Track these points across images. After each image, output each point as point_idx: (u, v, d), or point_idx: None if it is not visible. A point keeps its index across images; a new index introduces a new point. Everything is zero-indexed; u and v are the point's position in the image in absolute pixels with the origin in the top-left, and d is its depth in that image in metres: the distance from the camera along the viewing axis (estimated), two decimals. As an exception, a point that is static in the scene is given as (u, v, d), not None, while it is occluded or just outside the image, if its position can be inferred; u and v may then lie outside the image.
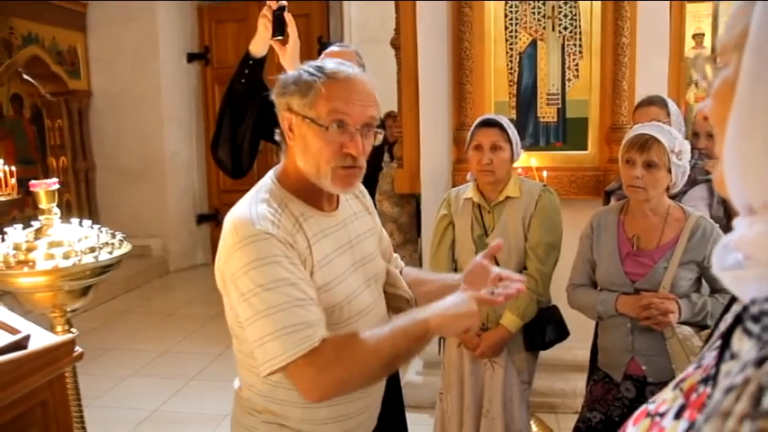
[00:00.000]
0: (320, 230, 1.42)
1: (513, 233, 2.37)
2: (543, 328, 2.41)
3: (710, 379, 0.61)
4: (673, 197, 2.18)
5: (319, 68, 1.36)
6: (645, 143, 2.03)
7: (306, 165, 1.39)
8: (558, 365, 3.42)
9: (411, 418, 3.09)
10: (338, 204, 1.51)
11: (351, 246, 1.49)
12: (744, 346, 0.56)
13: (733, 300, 0.71)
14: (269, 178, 1.45)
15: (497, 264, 2.32)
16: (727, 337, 0.60)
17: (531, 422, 2.98)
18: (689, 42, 4.56)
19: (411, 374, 3.60)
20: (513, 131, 2.39)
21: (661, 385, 2.06)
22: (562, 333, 2.47)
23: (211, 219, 6.99)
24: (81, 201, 6.49)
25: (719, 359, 0.60)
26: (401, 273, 1.72)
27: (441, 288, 1.63)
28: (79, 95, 6.50)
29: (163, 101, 6.68)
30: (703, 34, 4.36)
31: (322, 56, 2.47)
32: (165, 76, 6.69)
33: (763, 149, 0.54)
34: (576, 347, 3.29)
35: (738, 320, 0.59)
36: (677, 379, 0.69)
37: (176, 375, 4.13)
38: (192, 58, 6.98)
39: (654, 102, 2.61)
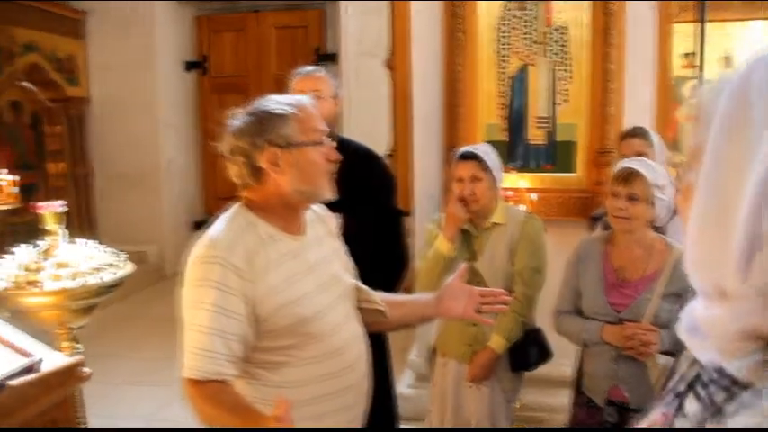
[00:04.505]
0: (288, 251, 1.57)
1: (499, 258, 2.47)
2: (528, 350, 2.51)
3: None
4: (658, 227, 2.29)
5: (279, 103, 1.56)
6: (629, 177, 2.14)
7: (301, 186, 1.55)
8: (546, 381, 3.51)
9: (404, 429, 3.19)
10: (304, 229, 1.65)
11: (318, 267, 1.63)
12: (692, 408, 0.69)
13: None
14: (238, 206, 1.61)
15: (485, 287, 2.42)
16: (682, 398, 0.73)
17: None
18: (678, 62, 4.67)
19: (402, 387, 3.67)
20: (491, 160, 2.48)
21: (643, 412, 2.16)
22: (546, 354, 2.57)
23: (207, 225, 7.04)
24: (79, 206, 6.54)
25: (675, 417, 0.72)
26: None
27: (415, 309, 1.84)
28: (77, 102, 6.57)
29: (160, 108, 6.75)
30: (694, 53, 4.47)
31: (294, 78, 2.56)
32: (163, 85, 6.76)
33: (717, 248, 0.64)
34: (564, 364, 3.38)
35: (693, 384, 0.72)
36: (646, 423, 0.82)
37: (173, 382, 4.18)
38: (189, 66, 7.06)
39: (637, 134, 2.73)
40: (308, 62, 6.49)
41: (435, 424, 2.62)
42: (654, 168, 2.17)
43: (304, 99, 1.63)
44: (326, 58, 6.74)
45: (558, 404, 3.53)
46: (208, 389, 1.46)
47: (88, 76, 6.68)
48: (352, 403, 1.66)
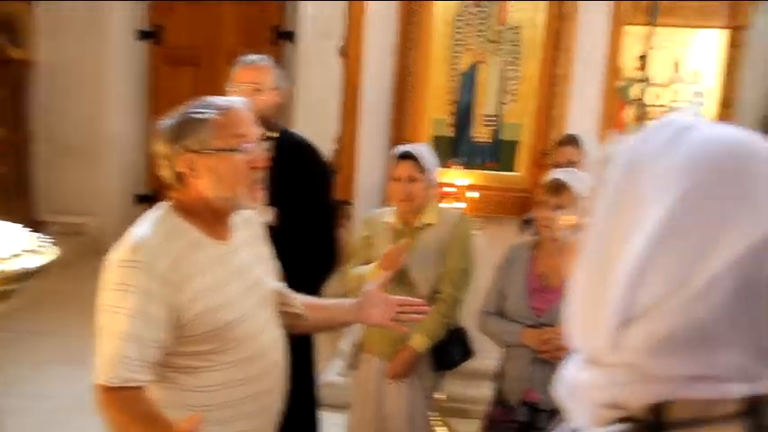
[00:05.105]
0: (214, 256, 1.56)
1: (429, 258, 2.49)
2: (450, 349, 2.55)
3: None
4: None
5: (204, 106, 1.55)
6: (558, 187, 2.19)
7: (220, 192, 1.54)
8: (470, 373, 3.58)
9: (331, 417, 3.21)
10: (230, 233, 1.64)
11: (242, 271, 1.63)
12: None
13: None
14: (165, 209, 1.59)
15: (413, 286, 2.46)
16: None
17: (441, 427, 3.13)
18: (632, 64, 4.74)
19: (332, 375, 3.70)
20: (428, 161, 2.51)
21: (552, 412, 2.24)
22: (468, 353, 2.62)
23: (150, 200, 6.90)
24: (17, 174, 6.33)
25: None
26: None
27: (335, 313, 1.88)
28: (20, 65, 6.31)
29: (108, 77, 6.55)
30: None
31: (236, 68, 2.53)
32: (113, 52, 6.56)
33: (593, 314, 0.64)
34: (489, 357, 3.45)
35: None
36: None
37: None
38: (141, 36, 6.86)
39: (569, 141, 2.77)
40: (265, 39, 6.45)
41: (356, 420, 2.65)
42: (583, 179, 2.21)
43: (236, 102, 1.62)
44: (284, 36, 6.64)
45: (481, 396, 3.60)
46: (120, 396, 1.45)
47: (34, 39, 6.44)
48: (267, 406, 1.68)
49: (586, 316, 0.65)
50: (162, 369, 1.53)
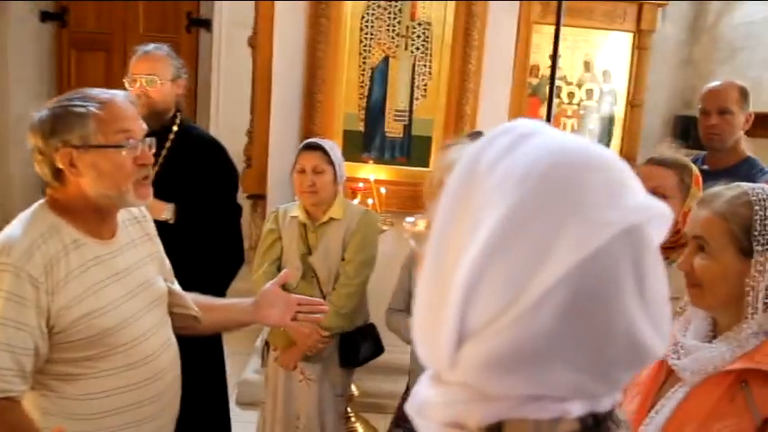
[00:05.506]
0: (93, 257, 1.49)
1: (334, 253, 2.49)
2: (358, 346, 2.54)
3: None
4: None
5: (84, 98, 1.46)
6: None
7: (104, 190, 1.47)
8: (386, 368, 3.59)
9: (247, 415, 3.16)
10: (115, 232, 1.57)
11: (128, 273, 1.56)
12: None
13: None
14: (41, 207, 1.50)
15: (318, 281, 2.44)
16: None
17: (357, 423, 3.14)
18: (546, 62, 4.84)
19: (249, 372, 3.65)
20: (335, 154, 2.50)
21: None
22: (377, 350, 2.62)
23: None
24: None
25: None
26: None
27: (232, 314, 1.82)
28: None
29: (9, 59, 6.19)
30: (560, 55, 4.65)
31: (133, 58, 2.44)
32: (14, 34, 6.21)
33: (433, 330, 0.60)
34: (405, 352, 3.48)
35: None
36: None
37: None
38: (45, 17, 6.52)
39: (473, 139, 2.80)
40: (181, 27, 6.24)
41: (268, 417, 2.62)
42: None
43: (118, 95, 1.55)
44: (199, 23, 6.46)
45: (398, 391, 3.63)
46: None
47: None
48: (159, 412, 1.62)
49: (428, 332, 0.62)
50: (40, 376, 1.46)
